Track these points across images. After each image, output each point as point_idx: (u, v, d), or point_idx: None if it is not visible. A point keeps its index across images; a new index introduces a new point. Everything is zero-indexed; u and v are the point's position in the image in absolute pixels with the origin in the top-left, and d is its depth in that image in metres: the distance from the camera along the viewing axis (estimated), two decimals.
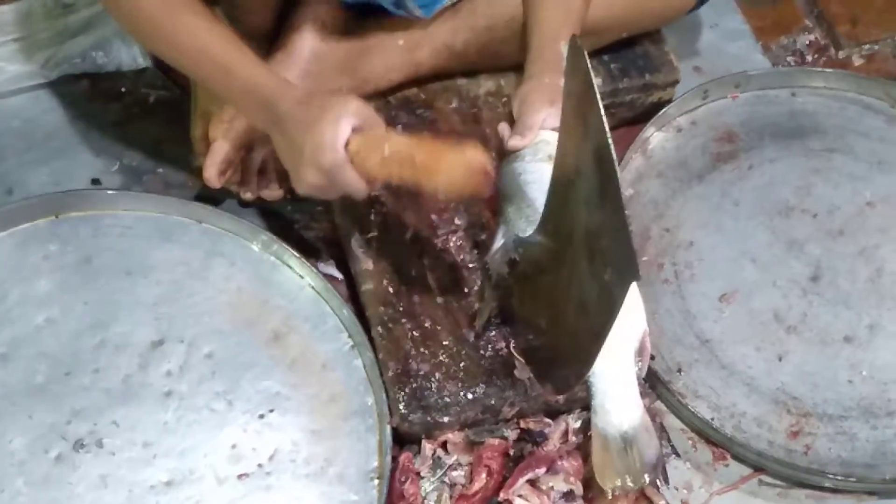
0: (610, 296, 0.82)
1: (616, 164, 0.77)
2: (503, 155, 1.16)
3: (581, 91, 0.82)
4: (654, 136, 1.38)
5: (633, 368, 0.96)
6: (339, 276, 1.24)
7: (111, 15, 1.14)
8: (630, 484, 0.97)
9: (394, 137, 1.00)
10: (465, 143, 0.95)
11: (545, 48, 1.16)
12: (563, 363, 0.98)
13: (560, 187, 0.92)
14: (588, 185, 0.84)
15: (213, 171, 1.16)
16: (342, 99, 1.00)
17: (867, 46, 1.56)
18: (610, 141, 0.77)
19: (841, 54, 1.54)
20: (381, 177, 0.99)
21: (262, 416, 1.11)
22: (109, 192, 1.24)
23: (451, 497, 1.10)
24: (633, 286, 0.94)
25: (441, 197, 0.95)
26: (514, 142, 1.13)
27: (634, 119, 1.39)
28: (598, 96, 0.78)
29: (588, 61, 0.79)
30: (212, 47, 1.03)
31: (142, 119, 1.36)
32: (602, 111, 0.78)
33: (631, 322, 0.95)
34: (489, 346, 1.13)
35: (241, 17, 1.17)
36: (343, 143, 0.97)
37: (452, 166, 0.94)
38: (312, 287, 1.20)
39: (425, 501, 1.09)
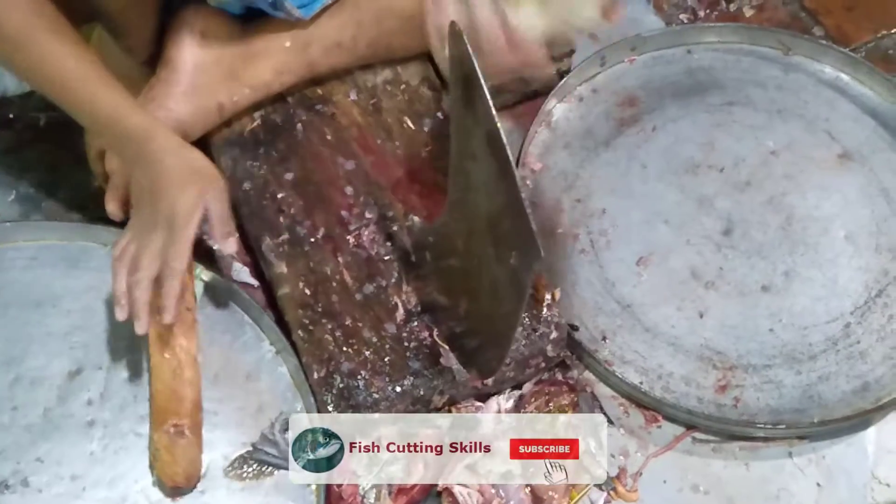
0: (518, 279, 0.82)
1: (507, 148, 0.77)
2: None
3: (466, 77, 0.81)
4: (557, 108, 1.38)
5: None
6: (255, 283, 1.21)
7: None
8: None
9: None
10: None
11: None
12: (484, 348, 0.98)
13: (460, 174, 0.92)
14: (484, 170, 0.83)
15: (114, 206, 1.14)
16: (215, 177, 1.03)
17: None
18: (499, 125, 0.77)
19: (732, 7, 1.55)
20: None
21: None
22: (8, 224, 1.20)
23: (390, 493, 1.09)
24: None
25: None
26: None
27: (535, 93, 1.38)
28: (483, 82, 0.77)
29: (469, 47, 0.78)
30: (74, 77, 1.01)
31: (34, 144, 1.32)
32: (488, 96, 0.77)
33: None
34: (413, 337, 1.12)
35: (121, 36, 1.14)
36: (197, 223, 1.01)
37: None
38: (228, 298, 1.18)
39: (364, 500, 1.09)
